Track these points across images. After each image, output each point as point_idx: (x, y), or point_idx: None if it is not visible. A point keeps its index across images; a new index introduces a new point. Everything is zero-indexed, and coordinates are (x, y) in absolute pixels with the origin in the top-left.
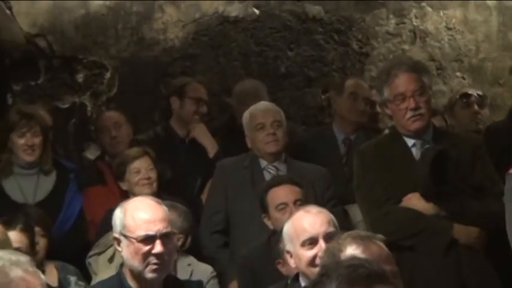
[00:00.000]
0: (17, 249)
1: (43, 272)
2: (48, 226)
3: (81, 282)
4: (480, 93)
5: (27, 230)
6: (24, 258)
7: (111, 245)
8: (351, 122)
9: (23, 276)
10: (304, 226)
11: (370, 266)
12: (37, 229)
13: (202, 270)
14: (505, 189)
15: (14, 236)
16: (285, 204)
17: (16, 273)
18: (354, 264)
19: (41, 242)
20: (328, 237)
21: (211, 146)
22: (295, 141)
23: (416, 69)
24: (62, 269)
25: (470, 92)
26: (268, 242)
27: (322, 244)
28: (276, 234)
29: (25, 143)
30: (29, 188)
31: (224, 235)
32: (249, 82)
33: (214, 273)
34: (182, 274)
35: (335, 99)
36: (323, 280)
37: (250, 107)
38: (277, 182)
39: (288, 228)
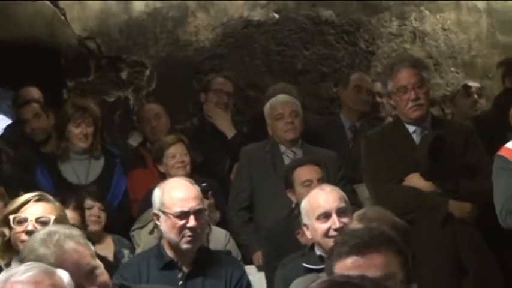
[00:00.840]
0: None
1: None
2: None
3: (132, 256)
4: (478, 85)
5: (79, 208)
6: (76, 232)
7: (151, 220)
8: (355, 111)
9: (76, 248)
10: (319, 202)
11: (378, 231)
12: (98, 205)
13: (218, 234)
14: (493, 168)
15: (68, 214)
16: (310, 181)
17: (69, 245)
18: (365, 230)
19: (102, 216)
20: (340, 212)
21: (228, 130)
22: (310, 129)
23: (417, 65)
24: (118, 242)
25: (470, 84)
26: (289, 215)
27: (335, 218)
28: (297, 208)
29: (80, 132)
30: (82, 171)
31: (249, 211)
32: (281, 85)
33: (229, 235)
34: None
35: (342, 91)
36: (336, 247)
37: (271, 99)
38: (303, 162)
39: (304, 204)
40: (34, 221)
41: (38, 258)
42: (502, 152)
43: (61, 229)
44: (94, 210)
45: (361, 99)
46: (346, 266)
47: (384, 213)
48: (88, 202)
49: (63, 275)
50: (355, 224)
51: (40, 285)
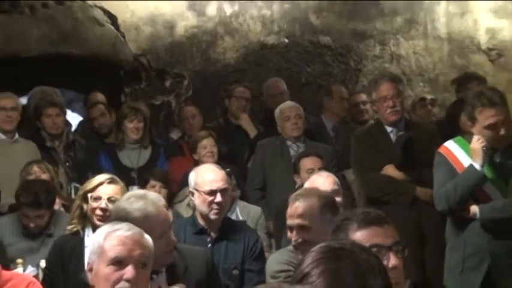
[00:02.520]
0: None
1: None
2: (167, 181)
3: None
4: (433, 97)
5: (143, 187)
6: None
7: (187, 196)
8: (338, 115)
9: (165, 209)
10: (318, 185)
11: (378, 212)
12: (159, 184)
13: (255, 210)
14: (434, 162)
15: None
16: (313, 169)
17: (162, 202)
18: (366, 211)
19: (162, 192)
20: (334, 193)
21: (251, 130)
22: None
23: (394, 80)
24: (174, 215)
25: (425, 96)
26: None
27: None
28: (299, 189)
29: (133, 127)
30: (134, 157)
31: (262, 191)
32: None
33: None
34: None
35: (327, 100)
36: (345, 223)
37: (280, 105)
38: (308, 153)
39: (307, 186)
40: (106, 200)
41: (140, 211)
42: (440, 150)
43: (151, 195)
44: (156, 188)
45: (343, 107)
46: (368, 234)
47: (312, 190)
48: (152, 182)
49: (148, 238)
50: (294, 199)
51: (139, 242)
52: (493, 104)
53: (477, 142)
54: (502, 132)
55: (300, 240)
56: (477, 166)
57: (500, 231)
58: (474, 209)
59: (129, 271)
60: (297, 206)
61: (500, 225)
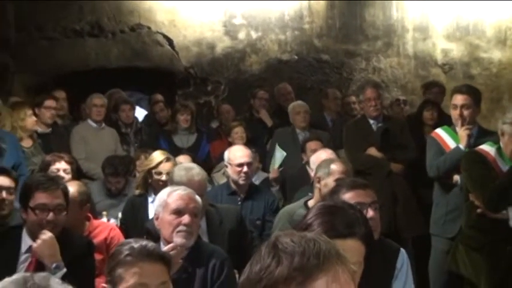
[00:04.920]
0: None
1: None
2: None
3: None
4: (404, 98)
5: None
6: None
7: (223, 167)
8: (333, 111)
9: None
10: (322, 157)
11: (361, 180)
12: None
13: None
14: (427, 143)
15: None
16: (315, 150)
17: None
18: (353, 179)
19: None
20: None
21: (269, 121)
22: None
23: (376, 86)
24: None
25: (399, 98)
26: (302, 167)
27: None
28: (306, 164)
29: (184, 118)
30: (184, 140)
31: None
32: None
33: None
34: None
35: (325, 101)
36: (337, 188)
37: (293, 103)
38: (311, 138)
39: (314, 159)
40: (165, 174)
41: (187, 180)
42: (432, 134)
43: (191, 164)
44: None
45: (337, 105)
46: (354, 195)
47: None
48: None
49: (198, 196)
50: None
51: (192, 198)
52: (458, 92)
53: (464, 130)
54: (464, 113)
55: None
56: (462, 147)
57: None
58: (456, 177)
59: (186, 218)
60: None
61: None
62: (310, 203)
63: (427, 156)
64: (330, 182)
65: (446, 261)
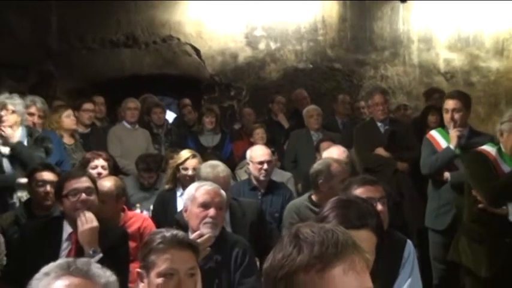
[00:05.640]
0: None
1: None
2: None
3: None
4: (409, 104)
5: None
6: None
7: (245, 165)
8: (343, 114)
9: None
10: (334, 154)
11: (371, 177)
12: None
13: (287, 175)
14: (422, 144)
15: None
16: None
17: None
18: (364, 176)
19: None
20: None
21: (285, 124)
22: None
23: (383, 92)
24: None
25: (404, 103)
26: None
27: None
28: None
29: (209, 121)
30: (209, 140)
31: (294, 163)
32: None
33: (291, 176)
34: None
35: (335, 105)
36: (350, 184)
37: (307, 107)
38: (324, 139)
39: (326, 155)
40: (191, 169)
41: (213, 176)
42: (427, 136)
43: (216, 162)
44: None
45: (346, 109)
46: (365, 190)
47: None
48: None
49: (223, 191)
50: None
51: (218, 193)
52: (449, 97)
53: (454, 132)
54: (455, 116)
55: None
56: (452, 147)
57: (463, 190)
58: (447, 174)
59: (212, 211)
60: None
61: (462, 186)
62: (314, 197)
63: (421, 155)
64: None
65: (449, 252)
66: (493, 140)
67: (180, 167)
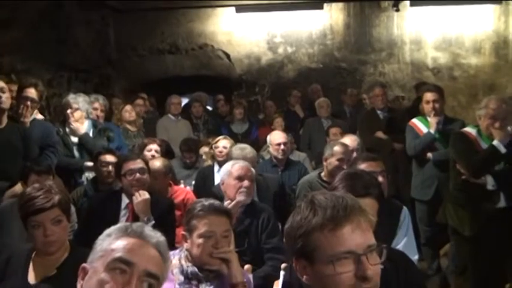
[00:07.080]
0: None
1: None
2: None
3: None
4: (403, 95)
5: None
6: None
7: (268, 147)
8: (350, 105)
9: (252, 156)
10: (347, 142)
11: (372, 154)
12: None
13: (303, 155)
14: (406, 129)
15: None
16: (336, 134)
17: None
18: (368, 153)
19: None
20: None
21: (301, 113)
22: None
23: (382, 86)
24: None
25: (400, 95)
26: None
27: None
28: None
29: (238, 112)
30: (239, 128)
31: (308, 145)
32: (313, 85)
33: (306, 156)
34: (295, 157)
35: (343, 97)
36: (356, 160)
37: (319, 99)
38: (333, 125)
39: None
40: (222, 147)
41: (242, 157)
42: (410, 123)
43: (242, 145)
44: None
45: (353, 100)
46: (368, 165)
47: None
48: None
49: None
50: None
51: (249, 169)
52: (428, 91)
53: (434, 119)
54: (436, 105)
55: None
56: (432, 131)
57: (443, 167)
58: (429, 154)
59: (245, 182)
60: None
61: (442, 164)
62: (323, 174)
63: (406, 139)
64: (333, 161)
65: (436, 216)
66: (464, 125)
67: (214, 145)
